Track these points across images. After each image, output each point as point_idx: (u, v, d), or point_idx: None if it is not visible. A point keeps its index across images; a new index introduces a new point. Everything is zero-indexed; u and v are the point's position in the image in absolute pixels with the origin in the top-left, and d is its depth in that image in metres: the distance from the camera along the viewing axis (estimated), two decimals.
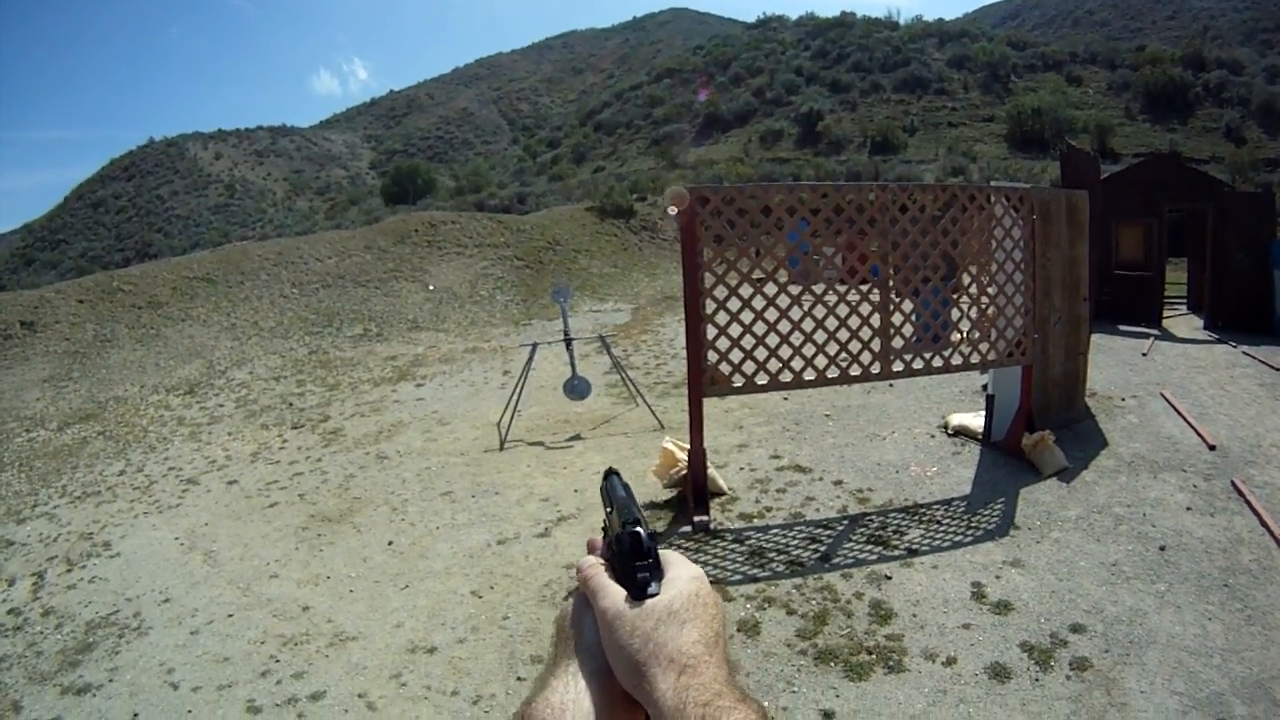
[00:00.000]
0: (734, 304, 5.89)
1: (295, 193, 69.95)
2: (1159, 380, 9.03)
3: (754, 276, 6.02)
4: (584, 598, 0.76)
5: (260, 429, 9.43)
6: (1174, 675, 3.94)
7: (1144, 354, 10.42)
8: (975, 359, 6.56)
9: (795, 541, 5.62)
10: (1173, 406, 8.01)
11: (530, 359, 8.43)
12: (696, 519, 5.89)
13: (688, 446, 6.11)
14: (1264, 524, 5.40)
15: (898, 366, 6.35)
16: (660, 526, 6.00)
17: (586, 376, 8.73)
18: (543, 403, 9.45)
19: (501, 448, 8.01)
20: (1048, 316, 7.03)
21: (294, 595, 5.36)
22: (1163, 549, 5.21)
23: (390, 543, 6.03)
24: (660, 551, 0.75)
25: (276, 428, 9.41)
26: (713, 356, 5.86)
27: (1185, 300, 14.17)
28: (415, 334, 14.66)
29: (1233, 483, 6.10)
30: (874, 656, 4.24)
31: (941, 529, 5.70)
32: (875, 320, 6.21)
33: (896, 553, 5.36)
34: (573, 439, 8.24)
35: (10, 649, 4.96)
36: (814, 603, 4.80)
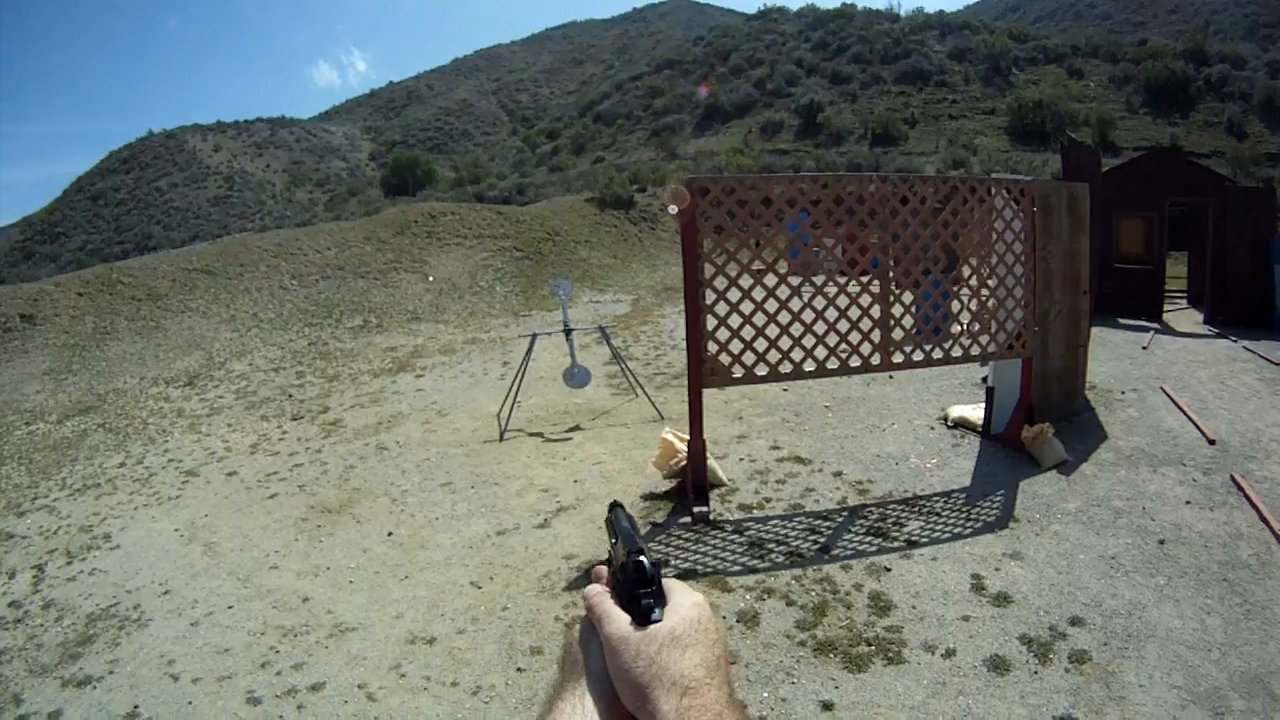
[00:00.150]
0: (734, 295, 5.88)
1: (294, 184, 69.88)
2: (1159, 374, 9.03)
3: (754, 267, 6.01)
4: (590, 624, 0.78)
5: (260, 420, 9.43)
6: (1173, 669, 3.95)
7: (1144, 348, 10.42)
8: (975, 351, 6.55)
9: (795, 533, 5.62)
10: (1173, 400, 8.01)
11: (530, 350, 8.42)
12: (696, 510, 5.89)
13: (687, 437, 6.11)
14: (1263, 519, 5.40)
15: (897, 358, 6.34)
16: (660, 517, 6.01)
17: (586, 366, 8.73)
18: (542, 394, 9.45)
19: (501, 439, 8.01)
20: (1048, 309, 7.02)
21: (294, 586, 5.36)
22: (1162, 543, 5.22)
23: (390, 534, 6.04)
24: (663, 580, 0.78)
25: (276, 419, 9.41)
26: (712, 347, 5.85)
27: (1185, 294, 14.15)
28: (415, 325, 14.65)
29: (1232, 477, 6.10)
30: (873, 648, 4.24)
31: (941, 521, 5.70)
32: (875, 312, 6.21)
33: (896, 544, 5.37)
34: (572, 430, 8.24)
35: (11, 642, 4.96)
36: (813, 594, 4.81)
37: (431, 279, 16.90)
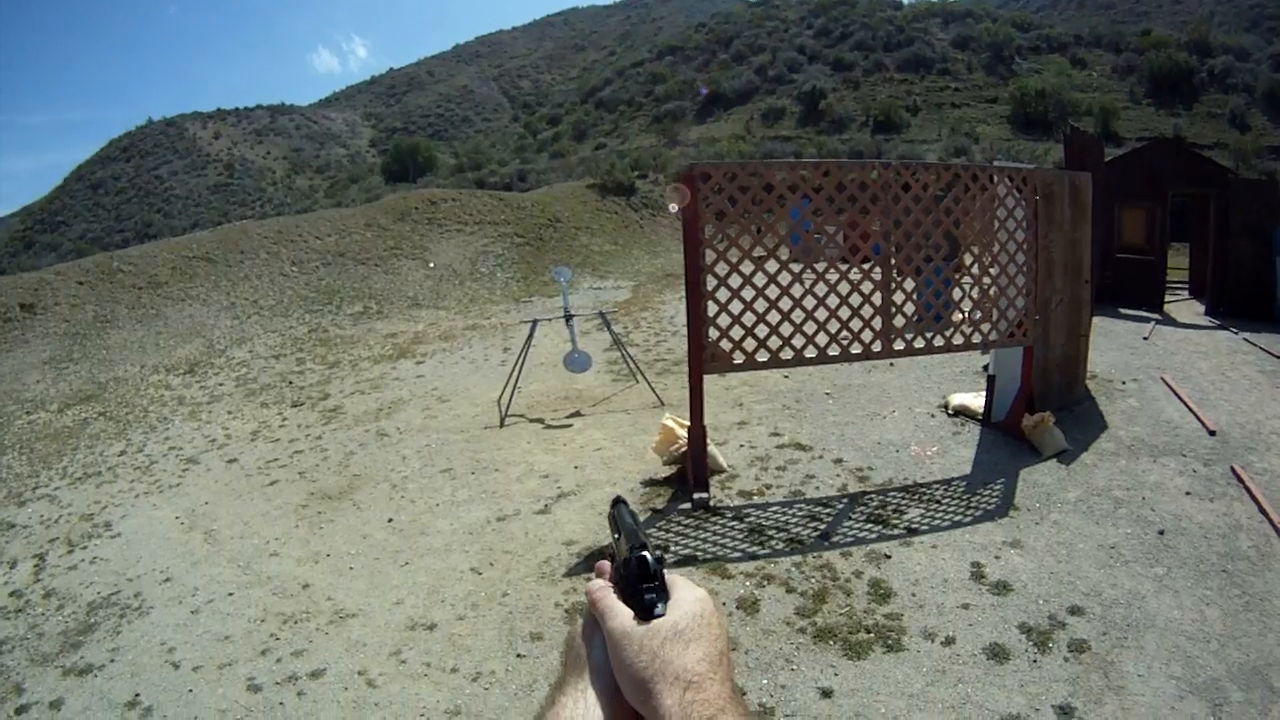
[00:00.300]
0: (735, 281, 5.86)
1: (295, 171, 69.71)
2: (1160, 365, 9.01)
3: (755, 254, 5.99)
4: (593, 618, 0.79)
5: (260, 407, 9.43)
6: (1171, 660, 3.95)
7: (1145, 338, 10.40)
8: (976, 339, 6.54)
9: (795, 519, 5.62)
10: (1173, 391, 8.00)
11: (530, 336, 8.41)
12: (696, 496, 5.90)
13: (688, 423, 6.10)
14: (1263, 511, 5.40)
15: (899, 345, 6.33)
16: (660, 503, 6.01)
17: (586, 350, 8.72)
18: (543, 380, 9.44)
19: (502, 425, 8.00)
20: (1049, 298, 7.00)
21: (294, 573, 5.37)
22: (1162, 533, 5.22)
23: (390, 520, 6.04)
24: (666, 574, 0.78)
25: (276, 406, 9.41)
26: (713, 333, 5.84)
27: (1187, 285, 14.11)
28: (415, 311, 14.63)
29: (1232, 469, 6.10)
30: (873, 635, 4.25)
31: (941, 509, 5.71)
32: (877, 299, 6.19)
33: (896, 532, 5.37)
34: (573, 416, 8.23)
35: (12, 631, 4.97)
36: (813, 581, 4.81)
37: (432, 265, 16.88)
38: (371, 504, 6.38)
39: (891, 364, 8.89)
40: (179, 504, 6.78)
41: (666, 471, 6.45)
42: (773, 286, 5.96)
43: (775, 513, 5.75)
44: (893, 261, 6.29)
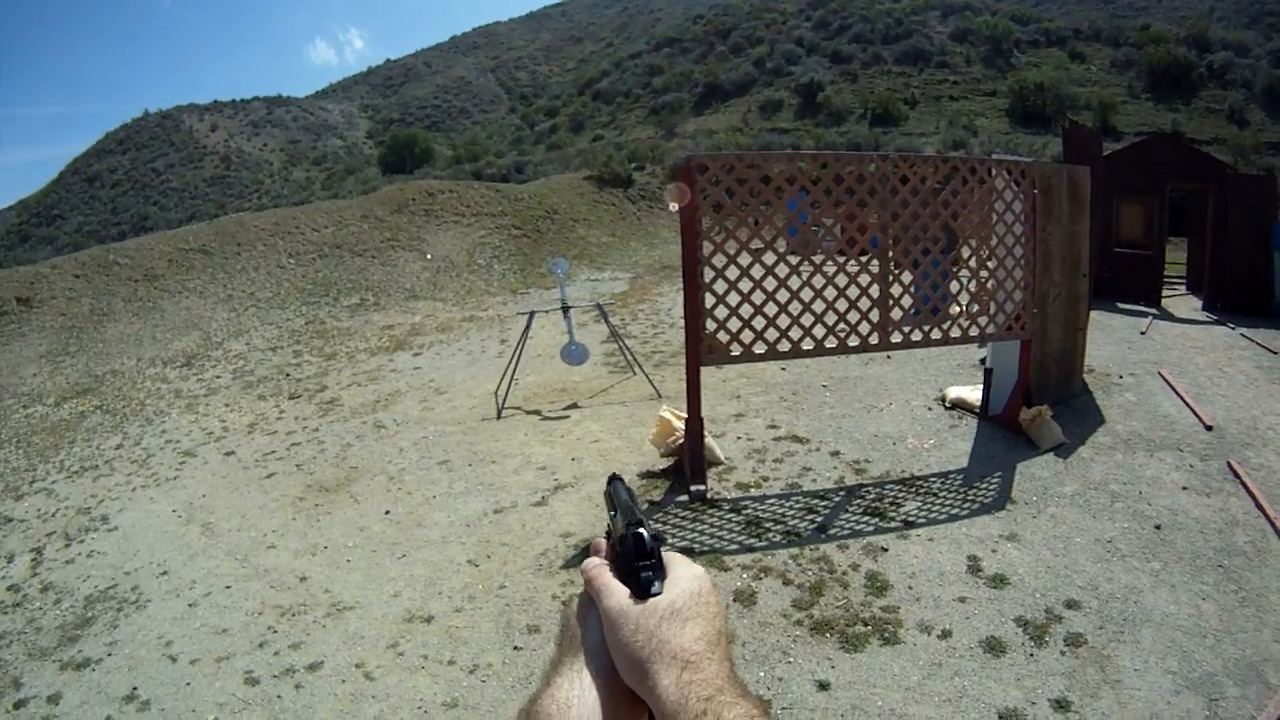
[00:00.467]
0: (732, 272, 5.86)
1: (292, 163, 69.42)
2: (1157, 359, 9.02)
3: (753, 245, 5.98)
4: (589, 597, 0.77)
5: (257, 400, 9.41)
6: (1168, 654, 3.96)
7: (1142, 333, 10.40)
8: (974, 332, 6.54)
9: (792, 512, 5.63)
10: (1170, 386, 8.00)
11: (527, 328, 8.40)
12: (693, 488, 5.90)
13: (685, 415, 6.10)
14: (1259, 506, 5.41)
15: (896, 338, 6.33)
16: (657, 495, 6.01)
17: (584, 343, 8.72)
18: (540, 371, 9.43)
19: (499, 416, 8.00)
20: (1047, 291, 7.00)
21: (291, 566, 5.37)
22: (1158, 528, 5.23)
23: (387, 512, 6.04)
24: (663, 552, 0.76)
25: (273, 398, 9.40)
26: (711, 325, 5.83)
27: (1185, 280, 14.11)
28: (412, 303, 14.61)
29: (1229, 464, 6.11)
30: (870, 628, 4.26)
31: (938, 502, 5.71)
32: (874, 291, 6.19)
33: (893, 524, 5.38)
34: (570, 408, 8.23)
35: (10, 625, 4.97)
36: (810, 573, 4.82)
37: (429, 257, 16.84)
38: (369, 496, 6.38)
39: (889, 357, 8.89)
40: (176, 497, 6.78)
41: (664, 463, 6.45)
42: (770, 279, 5.96)
43: (772, 505, 5.76)
44: (890, 254, 6.29)
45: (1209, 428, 6.85)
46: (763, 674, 3.94)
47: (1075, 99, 32.95)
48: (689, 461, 6.07)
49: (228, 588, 5.15)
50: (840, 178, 6.09)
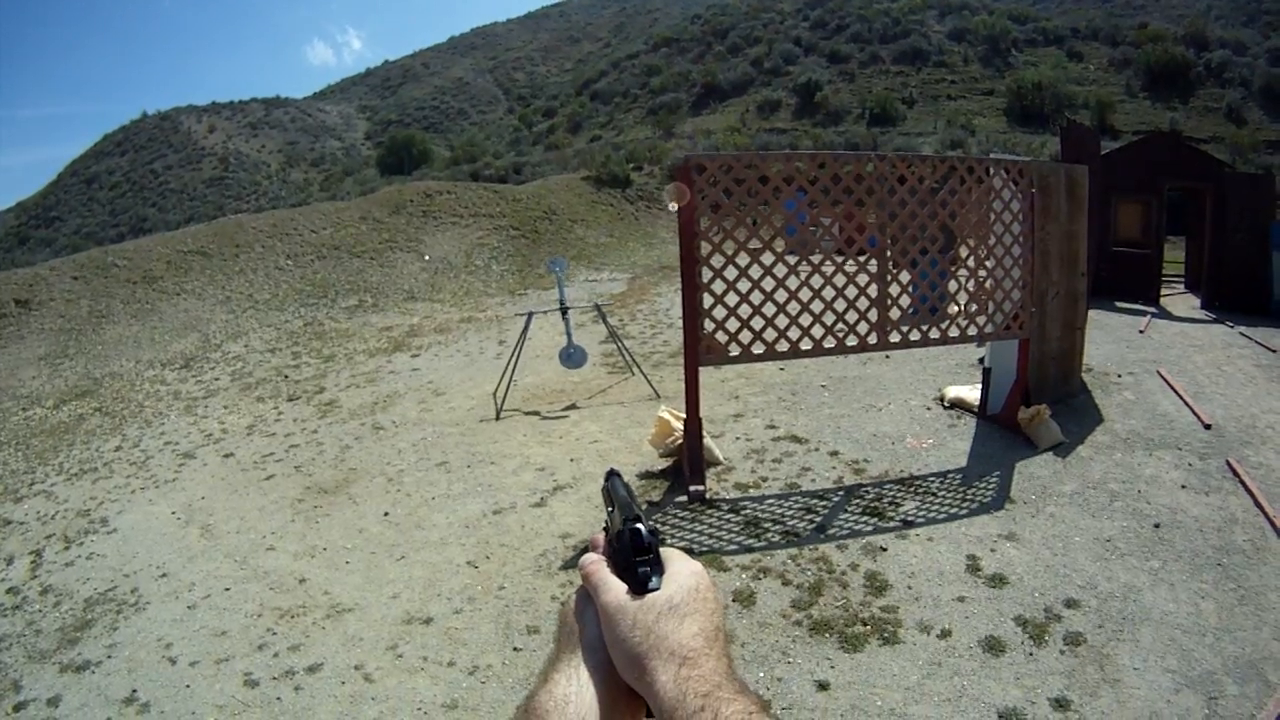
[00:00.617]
0: (731, 273, 5.86)
1: (290, 165, 69.36)
2: (1155, 358, 9.02)
3: (751, 245, 5.98)
4: (586, 593, 0.77)
5: (256, 401, 9.41)
6: (1167, 653, 3.96)
7: (1141, 331, 10.41)
8: (972, 332, 6.54)
9: (791, 512, 5.63)
10: (1169, 384, 8.01)
11: (526, 329, 8.40)
12: (692, 488, 5.90)
13: (683, 416, 6.11)
14: (1258, 505, 5.42)
15: (894, 338, 6.34)
16: (656, 496, 6.01)
17: (582, 345, 8.72)
18: (538, 372, 9.42)
19: (497, 418, 8.00)
20: (1045, 291, 7.01)
21: (290, 567, 5.36)
22: (1157, 526, 5.23)
23: (386, 514, 6.04)
24: (661, 548, 0.76)
25: (272, 400, 9.39)
26: (709, 325, 5.83)
27: (1183, 279, 14.12)
28: (411, 304, 14.60)
29: (1228, 462, 6.11)
30: (869, 628, 4.26)
31: (937, 501, 5.71)
32: (872, 291, 6.19)
33: (892, 524, 5.38)
34: (568, 409, 8.23)
35: (9, 628, 4.96)
36: (809, 573, 4.82)
37: (427, 258, 16.84)
38: (367, 498, 6.38)
39: (887, 356, 8.89)
40: (175, 499, 6.77)
41: (663, 464, 6.45)
42: (769, 279, 5.96)
43: (771, 505, 5.76)
44: (888, 254, 6.29)
45: (1208, 426, 6.86)
46: (762, 674, 3.94)
47: (1073, 98, 32.98)
48: (688, 462, 6.07)
49: (227, 590, 5.14)
50: (838, 177, 6.09)
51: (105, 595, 5.22)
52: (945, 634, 4.18)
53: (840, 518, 5.52)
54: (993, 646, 4.04)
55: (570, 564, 5.07)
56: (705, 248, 5.74)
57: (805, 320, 6.06)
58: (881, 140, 30.03)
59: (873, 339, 6.21)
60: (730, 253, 5.85)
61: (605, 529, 0.84)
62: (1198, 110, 32.07)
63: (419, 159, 44.86)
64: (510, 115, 64.60)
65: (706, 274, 5.76)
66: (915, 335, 6.40)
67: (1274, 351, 9.22)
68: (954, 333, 6.51)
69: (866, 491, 5.91)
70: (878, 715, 3.65)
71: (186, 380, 10.65)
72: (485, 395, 8.59)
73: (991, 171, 6.69)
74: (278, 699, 4.00)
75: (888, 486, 5.99)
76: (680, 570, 0.74)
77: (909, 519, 5.44)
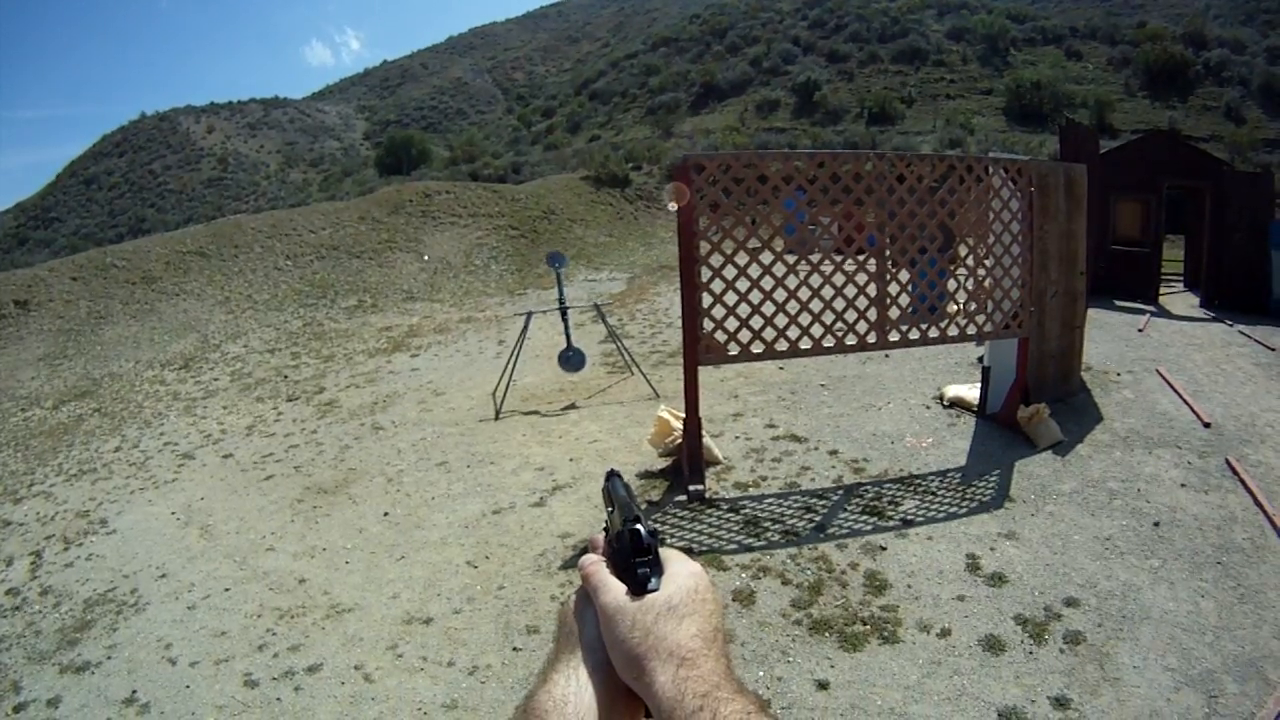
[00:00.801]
0: (730, 272, 5.86)
1: (289, 165, 69.37)
2: (1155, 357, 9.02)
3: (750, 245, 5.98)
4: (585, 593, 0.77)
5: (255, 402, 9.40)
6: (1167, 651, 3.96)
7: (1140, 330, 10.41)
8: (971, 331, 6.55)
9: (790, 511, 5.63)
10: (1168, 383, 8.01)
11: (525, 328, 8.40)
12: (692, 488, 5.90)
13: (683, 415, 6.10)
14: (1258, 503, 5.42)
15: (894, 337, 6.33)
16: (655, 495, 6.01)
17: (581, 347, 8.72)
18: (538, 372, 9.42)
19: (497, 417, 7.99)
20: (1044, 289, 7.01)
21: (290, 568, 5.36)
22: (1157, 525, 5.23)
23: (386, 514, 6.04)
24: (660, 549, 0.76)
25: (271, 400, 9.39)
26: (708, 325, 5.83)
27: (1182, 278, 14.12)
28: (410, 305, 14.60)
29: (1227, 461, 6.12)
30: (869, 627, 4.26)
31: (936, 500, 5.71)
32: (871, 290, 6.19)
33: (891, 523, 5.38)
34: (568, 408, 8.23)
35: (9, 629, 4.96)
36: (809, 573, 4.82)
37: (426, 258, 16.84)
38: (367, 498, 6.38)
39: (886, 355, 8.89)
40: (175, 500, 6.77)
41: (662, 463, 6.45)
42: (767, 278, 5.96)
43: (771, 504, 5.76)
44: (887, 253, 6.29)
45: (1207, 425, 6.86)
46: (762, 673, 3.94)
47: (1072, 97, 33.02)
48: (687, 461, 6.07)
49: (226, 590, 5.14)
50: (837, 176, 6.09)
51: (105, 596, 5.22)
52: (945, 633, 4.18)
53: (840, 517, 5.52)
54: (992, 645, 4.04)
55: (570, 564, 5.07)
56: (704, 247, 5.74)
57: (804, 319, 6.06)
58: (880, 139, 30.06)
59: (872, 338, 6.21)
60: (729, 252, 5.84)
61: (605, 529, 0.84)
62: (1196, 109, 32.11)
63: (418, 159, 44.84)
64: (509, 115, 64.62)
65: (706, 273, 5.76)
66: (914, 334, 6.41)
67: (1273, 350, 9.22)
68: (953, 332, 6.51)
69: (866, 490, 5.91)
70: (877, 714, 3.65)
71: (186, 381, 10.65)
72: (485, 395, 8.59)
73: (990, 170, 6.68)
74: (277, 699, 4.00)
75: (887, 485, 5.99)
76: (679, 571, 0.74)
77: (908, 518, 5.44)
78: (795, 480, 6.15)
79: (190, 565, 5.53)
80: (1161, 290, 12.81)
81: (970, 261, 6.61)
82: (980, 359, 7.83)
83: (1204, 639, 4.04)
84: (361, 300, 14.80)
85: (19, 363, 11.67)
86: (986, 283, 6.60)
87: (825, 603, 4.52)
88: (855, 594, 4.59)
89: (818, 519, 5.48)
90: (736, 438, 7.05)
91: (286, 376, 10.39)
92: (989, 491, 5.83)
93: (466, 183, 23.47)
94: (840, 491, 5.93)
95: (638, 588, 0.72)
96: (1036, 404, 6.75)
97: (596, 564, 0.77)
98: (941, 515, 5.48)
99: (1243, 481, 5.74)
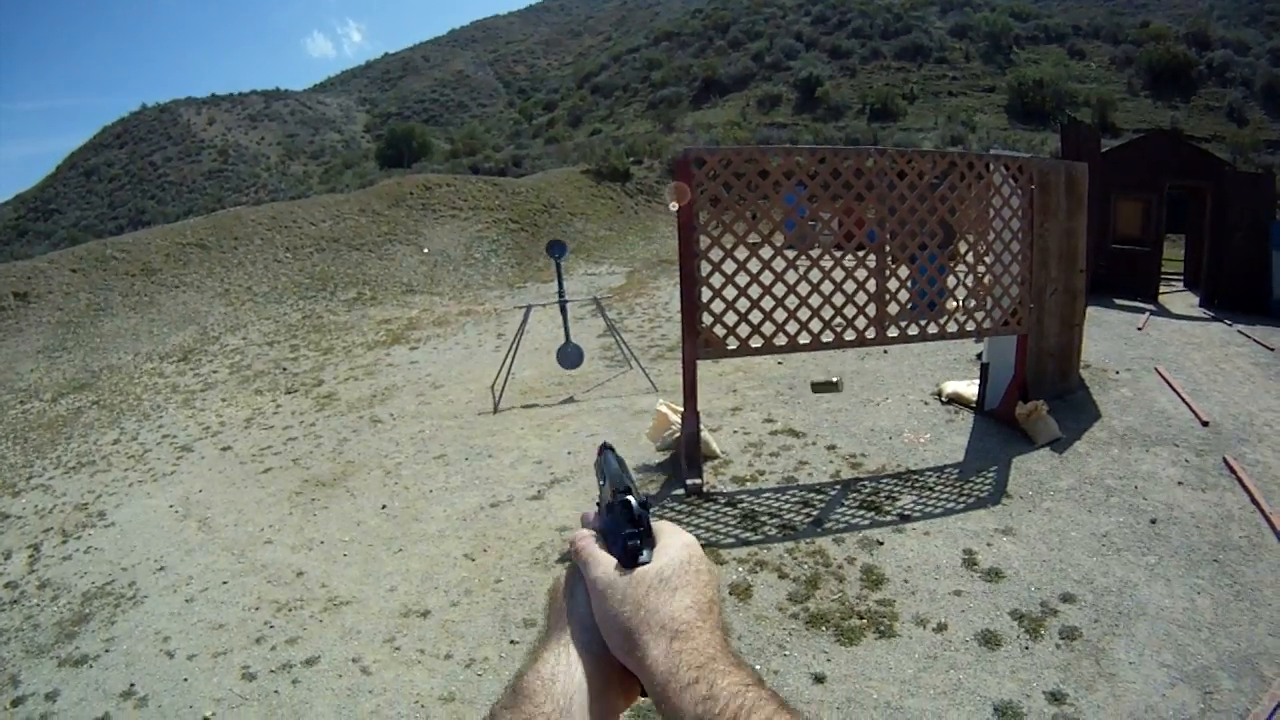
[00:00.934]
0: (730, 267, 5.86)
1: (289, 157, 69.23)
2: (1153, 355, 9.02)
3: (750, 240, 5.98)
4: (576, 569, 0.75)
5: (254, 394, 9.41)
6: (1163, 647, 3.97)
7: (1139, 329, 10.41)
8: (971, 327, 6.55)
9: (788, 505, 5.63)
10: (1166, 382, 8.01)
11: (524, 322, 8.40)
12: (689, 482, 5.90)
13: (681, 409, 6.11)
14: (1254, 502, 5.42)
15: (893, 332, 6.34)
16: (653, 489, 6.02)
17: (579, 343, 8.71)
18: (537, 365, 9.42)
19: (495, 410, 8.00)
20: (1044, 287, 7.01)
21: (288, 561, 5.37)
22: (1154, 522, 5.24)
23: (384, 506, 6.04)
24: (652, 521, 0.73)
25: (270, 393, 9.39)
26: (707, 319, 5.83)
27: (1182, 277, 14.11)
28: (409, 297, 14.60)
29: (1225, 459, 6.12)
30: (865, 621, 4.27)
31: (934, 496, 5.72)
32: (871, 286, 6.19)
33: (889, 518, 5.38)
34: (566, 402, 8.23)
35: (7, 622, 4.97)
36: (806, 567, 4.82)
37: (426, 251, 16.82)
38: (365, 491, 6.38)
39: (885, 351, 8.89)
40: (173, 492, 6.78)
41: (660, 457, 6.46)
42: (767, 273, 5.96)
43: (768, 499, 5.77)
44: (887, 249, 6.28)
45: (1205, 423, 6.86)
46: (759, 667, 3.94)
47: (1074, 96, 32.95)
48: (685, 455, 6.07)
49: (225, 583, 5.15)
50: (838, 172, 6.09)
51: (103, 589, 5.23)
52: (941, 628, 4.19)
53: (837, 511, 5.53)
54: (989, 640, 4.05)
55: (567, 557, 5.07)
56: (704, 241, 5.74)
57: (804, 314, 6.06)
58: (882, 135, 29.99)
59: (871, 334, 6.21)
60: (729, 246, 5.84)
61: (598, 503, 0.82)
62: (1199, 109, 32.03)
63: (419, 152, 44.81)
64: (510, 108, 64.51)
65: (705, 268, 5.76)
66: (913, 330, 6.41)
67: (1272, 350, 9.22)
68: (952, 328, 6.51)
69: (863, 486, 5.91)
70: (874, 708, 3.66)
71: (185, 373, 10.65)
72: (483, 388, 8.59)
73: (991, 168, 6.68)
74: (275, 692, 4.00)
75: (885, 481, 5.99)
76: (671, 543, 0.72)
77: (906, 513, 5.45)
78: (793, 475, 6.16)
79: (188, 558, 5.54)
80: (1161, 289, 12.80)
81: (970, 258, 6.60)
82: (979, 355, 7.83)
83: (1200, 635, 4.05)
84: (361, 293, 14.80)
85: (18, 355, 11.67)
86: (986, 279, 6.60)
87: (822, 597, 4.52)
88: (852, 588, 4.60)
89: (815, 513, 5.49)
90: (735, 432, 7.05)
91: (285, 369, 10.39)
92: (986, 487, 5.83)
93: (467, 176, 23.44)
94: (838, 486, 5.93)
95: (628, 560, 0.70)
96: (1035, 401, 6.75)
97: (586, 538, 0.75)
98: (939, 511, 5.49)
99: (1240, 480, 5.74)
